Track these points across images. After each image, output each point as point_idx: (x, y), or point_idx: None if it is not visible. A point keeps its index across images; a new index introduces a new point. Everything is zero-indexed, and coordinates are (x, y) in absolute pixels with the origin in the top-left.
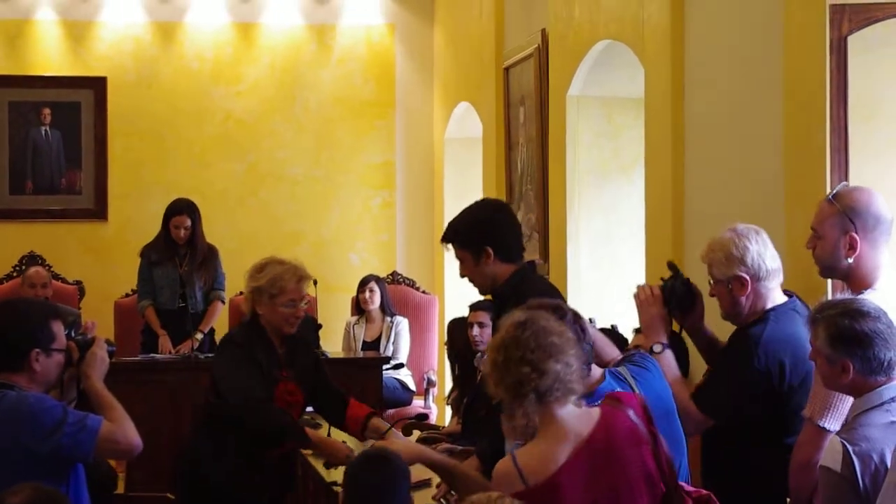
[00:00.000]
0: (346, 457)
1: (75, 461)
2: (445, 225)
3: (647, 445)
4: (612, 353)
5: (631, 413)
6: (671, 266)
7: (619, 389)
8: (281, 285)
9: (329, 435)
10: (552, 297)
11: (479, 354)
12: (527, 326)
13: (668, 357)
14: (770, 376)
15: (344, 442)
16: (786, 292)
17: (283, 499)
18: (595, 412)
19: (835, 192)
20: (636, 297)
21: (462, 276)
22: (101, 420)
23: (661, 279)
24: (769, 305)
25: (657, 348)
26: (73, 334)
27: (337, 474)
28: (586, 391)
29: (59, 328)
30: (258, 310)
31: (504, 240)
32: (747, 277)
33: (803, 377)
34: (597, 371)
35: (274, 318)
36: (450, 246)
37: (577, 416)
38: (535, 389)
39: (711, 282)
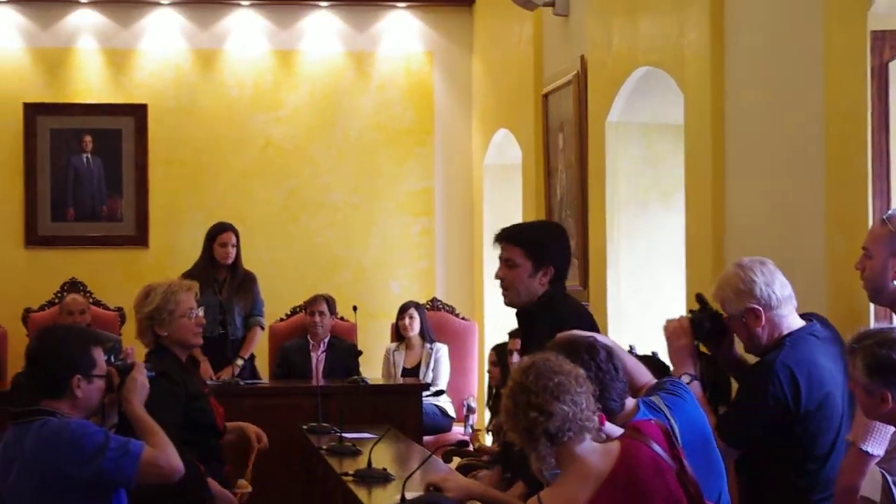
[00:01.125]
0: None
1: (118, 486)
2: (485, 250)
3: (671, 472)
4: (645, 377)
5: (652, 443)
6: (699, 299)
7: (652, 420)
8: (175, 299)
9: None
10: (582, 319)
11: None
12: (531, 371)
13: (696, 388)
14: (786, 400)
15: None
16: (807, 315)
17: None
18: (615, 447)
19: (889, 213)
20: (665, 329)
21: (500, 277)
22: (143, 445)
23: (690, 311)
24: (785, 332)
25: (685, 379)
26: (112, 360)
27: (378, 500)
28: (621, 423)
29: (99, 354)
30: (161, 332)
31: (563, 266)
32: (759, 308)
33: (821, 401)
34: (630, 402)
35: (180, 334)
36: (498, 245)
37: (597, 453)
38: (545, 432)
39: (727, 321)
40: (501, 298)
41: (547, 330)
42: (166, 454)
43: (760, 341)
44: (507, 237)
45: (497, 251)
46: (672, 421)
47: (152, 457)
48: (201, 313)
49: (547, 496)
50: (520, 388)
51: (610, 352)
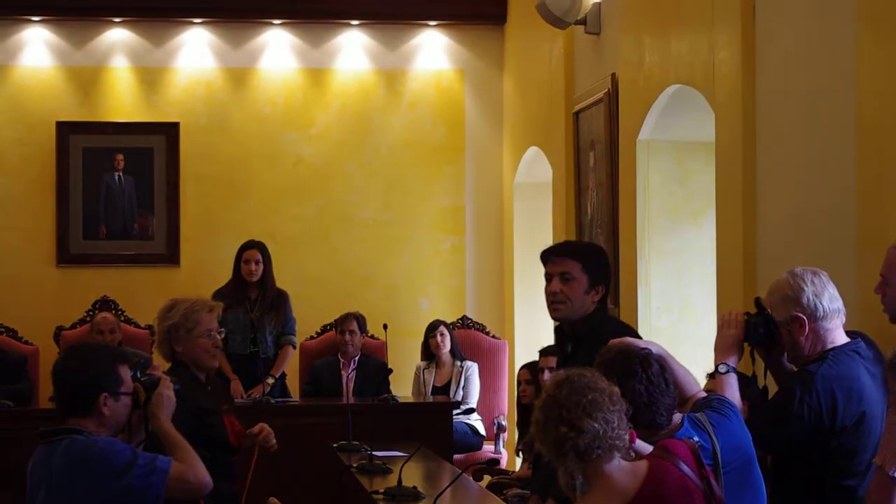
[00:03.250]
0: None
1: (146, 503)
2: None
3: (699, 493)
4: (693, 388)
5: (681, 463)
6: (757, 303)
7: (696, 437)
8: (196, 318)
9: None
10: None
11: None
12: (564, 385)
13: (732, 380)
14: (821, 413)
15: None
16: (852, 333)
17: None
18: (643, 466)
19: None
20: (721, 316)
21: (555, 290)
22: (171, 461)
23: (747, 313)
24: (829, 346)
25: (722, 368)
26: (138, 375)
27: None
28: (666, 436)
29: (125, 372)
30: (177, 348)
31: (610, 288)
32: (804, 317)
33: (858, 419)
34: (677, 417)
35: (196, 354)
36: (549, 260)
37: (625, 472)
38: (574, 448)
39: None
40: (533, 317)
41: (594, 350)
42: (194, 469)
43: (803, 351)
44: (565, 251)
45: (531, 267)
46: (714, 440)
47: (181, 472)
48: (220, 336)
49: None
50: (552, 402)
51: (663, 365)
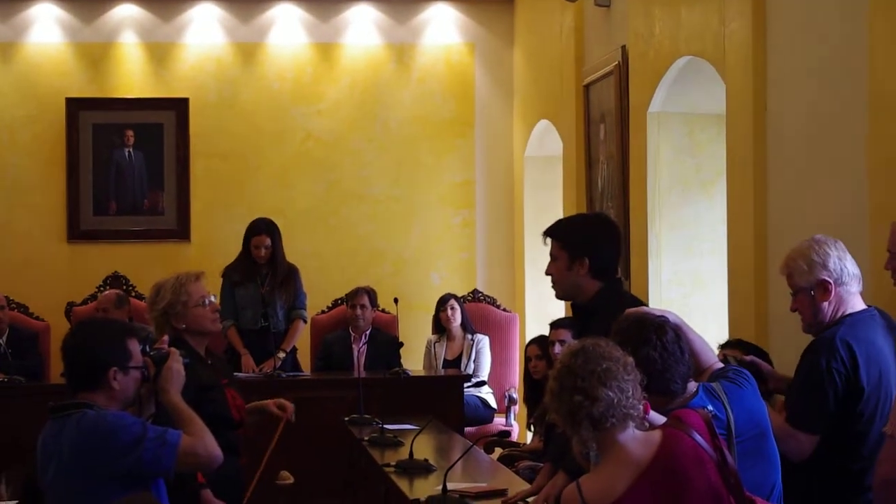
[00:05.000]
0: None
1: (156, 476)
2: (525, 241)
3: (712, 463)
4: (711, 359)
5: (694, 433)
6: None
7: (710, 406)
8: (186, 290)
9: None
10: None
11: None
12: (579, 354)
13: None
14: (848, 374)
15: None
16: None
17: None
18: (656, 435)
19: None
20: None
21: (547, 273)
22: (181, 434)
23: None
24: (848, 311)
25: None
26: (147, 349)
27: (420, 490)
28: (681, 405)
29: (134, 346)
30: (178, 325)
31: (602, 257)
32: (830, 281)
33: (878, 381)
34: (692, 386)
35: (198, 323)
36: (548, 241)
37: (638, 441)
38: (588, 416)
39: (792, 293)
40: (544, 291)
41: (602, 327)
42: (204, 442)
43: (824, 318)
44: (547, 231)
45: (541, 241)
46: (729, 410)
47: (190, 445)
48: (215, 299)
49: (586, 482)
50: (567, 371)
51: (678, 333)
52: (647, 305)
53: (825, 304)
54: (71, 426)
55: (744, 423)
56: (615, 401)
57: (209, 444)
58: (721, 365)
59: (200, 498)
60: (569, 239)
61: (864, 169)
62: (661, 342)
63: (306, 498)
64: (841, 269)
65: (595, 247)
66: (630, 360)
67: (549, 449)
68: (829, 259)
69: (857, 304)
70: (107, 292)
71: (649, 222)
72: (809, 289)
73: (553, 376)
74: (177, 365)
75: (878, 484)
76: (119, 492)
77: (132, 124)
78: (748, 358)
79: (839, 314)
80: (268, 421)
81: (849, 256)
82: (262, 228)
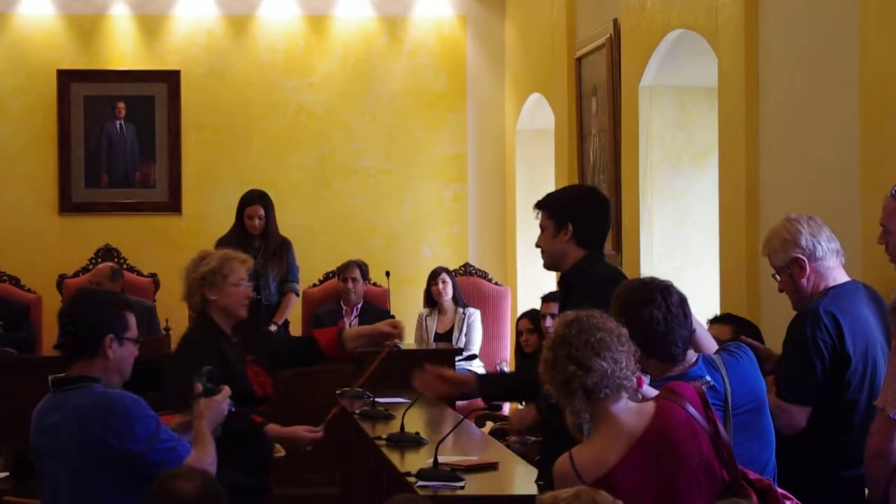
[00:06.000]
0: (318, 437)
1: (153, 477)
2: (517, 215)
3: (705, 435)
4: (712, 348)
5: (687, 405)
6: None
7: (708, 377)
8: (231, 266)
9: None
10: (614, 285)
11: None
12: (573, 324)
13: None
14: (834, 344)
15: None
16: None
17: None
18: (650, 407)
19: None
20: None
21: (537, 245)
22: (191, 451)
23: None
24: (831, 284)
25: None
26: (206, 382)
27: (411, 464)
28: (680, 373)
29: (132, 319)
30: (210, 296)
31: (587, 225)
32: (804, 258)
33: (864, 352)
34: (692, 355)
35: (228, 301)
36: (539, 214)
37: (632, 413)
38: (582, 387)
39: (774, 274)
40: (535, 264)
41: (581, 296)
42: (205, 468)
43: (805, 293)
44: (536, 204)
45: (532, 214)
46: (727, 382)
47: (196, 461)
48: (250, 288)
49: (578, 453)
50: (561, 341)
51: (683, 298)
52: (621, 273)
53: (803, 280)
54: (79, 399)
55: (741, 397)
56: (609, 371)
57: (211, 470)
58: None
59: (265, 434)
60: (555, 207)
61: (856, 142)
62: (666, 303)
63: (297, 471)
64: (814, 245)
65: (580, 214)
66: (624, 331)
67: (523, 380)
68: (801, 236)
69: (839, 276)
70: (101, 265)
71: (641, 196)
72: (786, 267)
73: (547, 346)
74: (223, 402)
75: (868, 457)
76: (115, 476)
77: (123, 96)
78: (746, 341)
79: (821, 288)
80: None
81: (825, 232)
82: (256, 199)
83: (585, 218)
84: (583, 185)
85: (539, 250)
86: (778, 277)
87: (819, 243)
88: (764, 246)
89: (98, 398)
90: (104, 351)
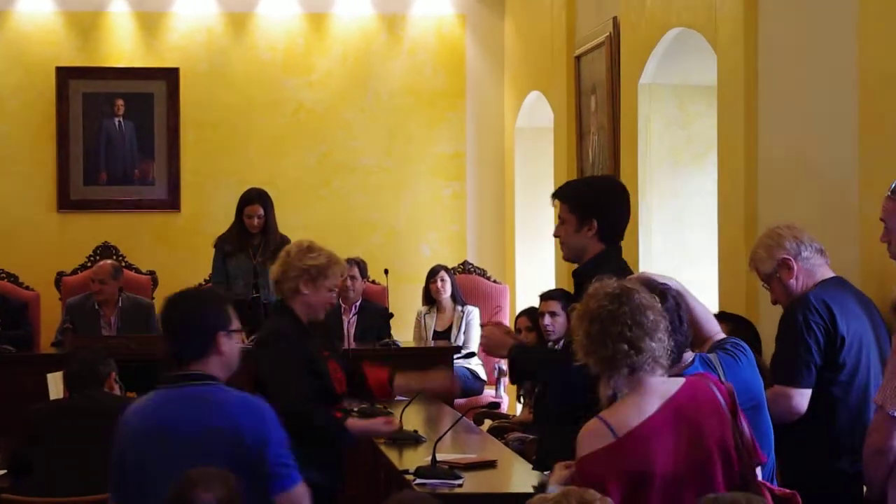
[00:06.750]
0: (394, 427)
1: (259, 489)
2: (516, 213)
3: (727, 422)
4: (713, 329)
5: (714, 388)
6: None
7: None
8: (333, 270)
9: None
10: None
11: (549, 344)
12: (623, 301)
13: None
14: (826, 325)
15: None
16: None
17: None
18: (680, 379)
19: (893, 186)
20: None
21: (555, 235)
22: (301, 483)
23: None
24: (818, 280)
25: None
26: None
27: (409, 461)
28: (676, 373)
29: (232, 311)
30: (304, 290)
31: (611, 221)
32: (790, 258)
33: (853, 340)
34: (688, 355)
35: (317, 300)
36: (556, 203)
37: (663, 381)
38: (628, 365)
39: (765, 285)
40: (534, 262)
41: None
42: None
43: (796, 293)
44: (556, 193)
45: (532, 212)
46: (724, 380)
47: (299, 496)
48: (336, 297)
49: (609, 412)
50: (610, 317)
51: (679, 302)
52: (630, 270)
53: (792, 281)
54: (214, 394)
55: (739, 396)
56: (657, 352)
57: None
58: (723, 335)
59: (348, 432)
60: (578, 201)
61: (856, 140)
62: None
63: None
64: (798, 245)
65: (604, 209)
66: (659, 306)
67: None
68: (784, 240)
69: (825, 273)
70: (102, 263)
71: (640, 194)
72: (774, 272)
73: (588, 318)
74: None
75: (867, 454)
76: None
77: (122, 94)
78: None
79: (810, 284)
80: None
81: (805, 233)
82: (255, 198)
83: (609, 214)
84: (604, 178)
85: (537, 250)
86: (768, 286)
87: (802, 243)
88: (750, 261)
89: (240, 398)
90: (218, 348)
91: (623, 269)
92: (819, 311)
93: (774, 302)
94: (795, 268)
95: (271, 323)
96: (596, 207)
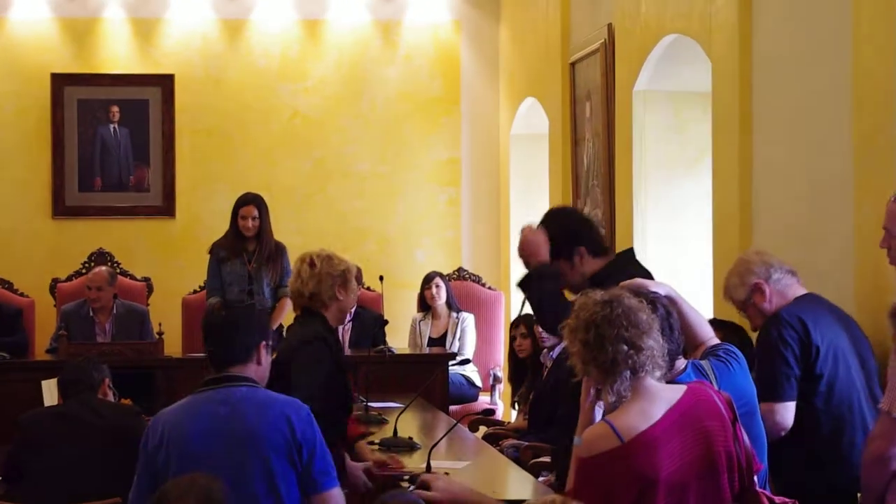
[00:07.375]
0: (361, 492)
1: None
2: (511, 219)
3: (730, 431)
4: (707, 335)
5: (715, 396)
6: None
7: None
8: (354, 272)
9: None
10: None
11: (544, 350)
12: (614, 305)
13: None
14: (801, 337)
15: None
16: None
17: None
18: (681, 386)
19: None
20: None
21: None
22: (338, 487)
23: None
24: (791, 299)
25: None
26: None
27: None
28: (669, 380)
29: (270, 327)
30: (339, 296)
31: (590, 236)
32: (761, 281)
33: (828, 350)
34: (681, 363)
35: (346, 305)
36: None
37: (665, 387)
38: (629, 366)
39: (743, 314)
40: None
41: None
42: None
43: (771, 315)
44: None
45: (527, 218)
46: (717, 388)
47: (336, 499)
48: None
49: (616, 416)
50: (605, 321)
51: (669, 311)
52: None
53: (765, 304)
54: (259, 395)
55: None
56: (655, 350)
57: None
58: (717, 341)
59: (345, 462)
60: (558, 248)
61: (850, 147)
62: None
63: None
64: (767, 269)
65: (579, 232)
66: (649, 309)
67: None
68: (753, 265)
69: (798, 291)
70: (97, 269)
71: (634, 201)
72: (748, 298)
73: (583, 327)
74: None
75: (867, 461)
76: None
77: (117, 100)
78: None
79: (784, 304)
80: None
81: (774, 257)
82: (250, 200)
83: (585, 232)
84: (554, 213)
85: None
86: (744, 314)
87: (772, 266)
88: (724, 291)
89: (287, 399)
90: (260, 356)
91: (644, 273)
92: (792, 324)
93: (755, 328)
94: (768, 291)
95: (303, 329)
96: (573, 236)
